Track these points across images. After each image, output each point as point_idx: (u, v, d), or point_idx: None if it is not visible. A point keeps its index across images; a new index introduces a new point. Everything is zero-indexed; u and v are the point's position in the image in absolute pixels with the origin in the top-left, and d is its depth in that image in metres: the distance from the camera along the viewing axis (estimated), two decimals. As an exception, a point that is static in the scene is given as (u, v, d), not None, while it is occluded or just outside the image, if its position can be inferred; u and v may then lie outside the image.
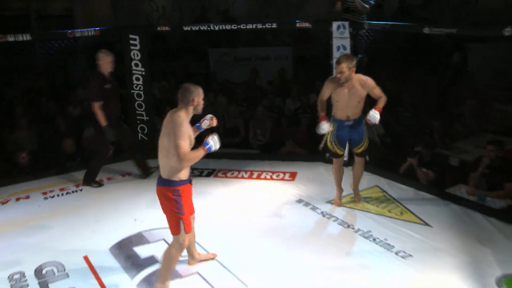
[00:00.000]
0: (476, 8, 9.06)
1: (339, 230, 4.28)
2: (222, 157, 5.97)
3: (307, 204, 4.81)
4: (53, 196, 5.24)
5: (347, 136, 4.45)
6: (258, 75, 8.46)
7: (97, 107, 5.14)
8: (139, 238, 4.21)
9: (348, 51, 5.46)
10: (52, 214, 4.77)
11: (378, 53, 5.97)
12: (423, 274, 3.58)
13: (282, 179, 5.53)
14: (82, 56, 9.17)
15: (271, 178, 5.57)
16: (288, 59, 8.77)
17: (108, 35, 8.26)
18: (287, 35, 9.49)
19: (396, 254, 3.84)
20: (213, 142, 3.24)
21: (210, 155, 3.41)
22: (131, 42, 6.00)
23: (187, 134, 3.15)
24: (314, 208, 4.70)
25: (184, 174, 3.23)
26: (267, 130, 6.75)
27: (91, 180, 5.45)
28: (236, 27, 6.12)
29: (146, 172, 5.65)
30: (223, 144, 3.53)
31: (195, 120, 3.41)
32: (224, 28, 6.14)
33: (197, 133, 3.46)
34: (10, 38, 5.31)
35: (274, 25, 5.88)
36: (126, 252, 4.00)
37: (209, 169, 5.77)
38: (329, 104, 4.52)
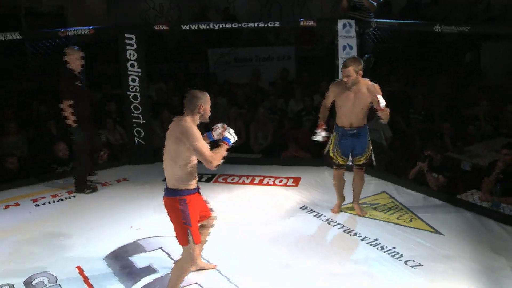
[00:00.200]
0: (489, 4, 9.09)
1: (344, 238, 4.28)
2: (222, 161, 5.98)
3: (311, 211, 4.82)
4: (44, 203, 5.25)
5: (350, 146, 4.41)
6: (259, 76, 8.51)
7: (66, 106, 5.07)
8: (135, 247, 4.22)
9: (354, 50, 5.49)
10: (43, 222, 4.78)
11: (386, 53, 6.01)
12: (434, 284, 3.58)
13: (285, 184, 5.55)
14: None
15: (274, 184, 5.58)
16: (291, 59, 8.82)
17: (103, 34, 8.32)
18: (290, 34, 9.54)
19: (405, 263, 3.84)
20: (230, 135, 3.34)
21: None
22: (127, 41, 6.04)
23: (200, 136, 3.16)
24: (318, 215, 4.71)
25: (191, 183, 3.23)
26: (269, 133, 6.78)
27: (82, 187, 5.47)
28: (237, 26, 6.17)
29: (80, 188, 5.46)
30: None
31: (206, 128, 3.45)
32: (224, 27, 6.18)
33: (208, 142, 3.41)
34: (-2, 37, 5.31)
35: (277, 24, 5.91)
36: (121, 261, 4.01)
37: (209, 174, 5.79)
38: (331, 113, 4.48)
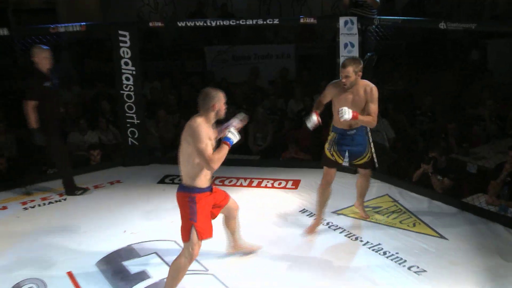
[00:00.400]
0: (495, 1, 9.10)
1: (346, 243, 4.27)
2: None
3: (311, 214, 4.81)
4: (34, 206, 5.23)
5: (349, 145, 4.31)
6: (258, 75, 8.50)
7: (29, 106, 5.00)
8: (129, 252, 4.20)
9: (356, 48, 5.49)
10: (32, 226, 4.75)
11: (389, 51, 6.01)
12: (439, 291, 3.57)
13: (284, 187, 5.54)
14: (66, 54, 9.23)
15: (273, 186, 5.57)
16: (290, 58, 8.83)
17: (96, 31, 8.31)
18: (289, 31, 9.54)
19: (409, 269, 3.83)
20: (232, 135, 3.41)
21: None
22: (121, 39, 6.02)
23: (206, 137, 3.29)
24: (319, 219, 4.70)
25: (202, 182, 3.39)
26: (268, 134, 6.77)
27: (72, 189, 5.44)
28: (235, 23, 6.15)
29: (70, 190, 5.43)
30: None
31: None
32: (222, 24, 6.16)
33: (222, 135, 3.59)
34: (-16, 33, 5.27)
35: (276, 21, 5.90)
36: (114, 266, 3.99)
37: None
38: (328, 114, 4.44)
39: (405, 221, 4.59)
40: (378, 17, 5.37)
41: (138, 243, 4.32)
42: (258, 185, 5.61)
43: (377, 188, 5.29)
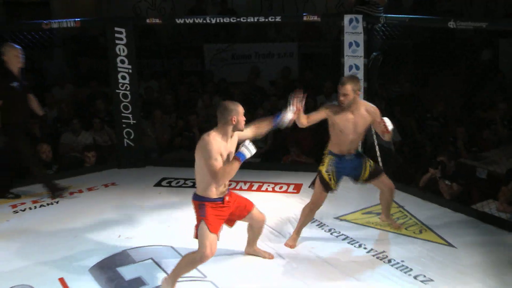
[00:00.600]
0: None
1: (349, 250, 4.28)
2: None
3: (313, 220, 4.79)
4: (24, 210, 5.24)
5: (348, 168, 4.24)
6: (259, 74, 8.51)
7: None
8: (123, 257, 4.20)
9: (361, 47, 5.51)
10: (23, 230, 4.76)
11: (396, 50, 6.03)
12: (446, 301, 3.59)
13: (286, 191, 5.55)
14: (60, 51, 9.25)
15: (273, 190, 5.58)
16: (293, 57, 8.84)
17: (90, 28, 8.32)
18: (292, 29, 9.56)
19: (415, 278, 3.84)
20: (246, 150, 3.50)
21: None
22: (117, 35, 6.05)
23: (217, 152, 3.43)
24: (321, 225, 4.71)
25: (212, 193, 3.57)
26: (269, 136, 6.78)
27: (55, 190, 5.45)
28: (235, 20, 6.18)
29: (54, 192, 5.45)
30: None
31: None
32: (221, 21, 6.18)
33: (269, 128, 3.94)
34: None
35: (278, 18, 5.92)
36: (108, 273, 3.99)
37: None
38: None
39: (411, 228, 4.59)
40: (384, 15, 5.39)
41: (133, 248, 4.32)
42: (259, 189, 5.63)
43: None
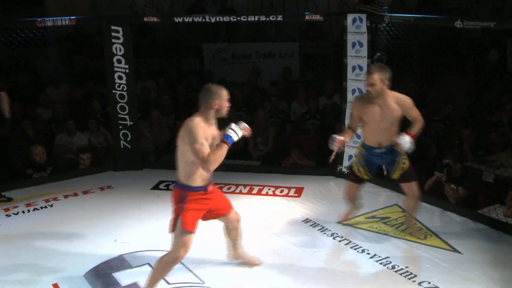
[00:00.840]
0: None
1: (352, 255, 4.29)
2: (217, 169, 5.97)
3: (315, 224, 4.83)
4: (17, 213, 5.25)
5: (378, 162, 4.31)
6: (259, 75, 8.53)
7: None
8: (120, 262, 4.21)
9: (365, 48, 5.53)
10: (15, 234, 4.76)
11: (400, 51, 6.04)
12: (451, 308, 3.60)
13: (287, 195, 5.56)
14: (54, 50, 9.26)
15: (274, 194, 5.60)
16: (294, 57, 8.86)
17: (86, 26, 8.33)
18: (293, 29, 9.58)
19: (419, 284, 3.84)
20: (233, 132, 3.44)
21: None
22: (113, 34, 6.06)
23: (203, 137, 3.36)
24: (323, 230, 4.72)
25: (196, 181, 3.49)
26: (270, 138, 6.80)
27: None
28: (235, 19, 6.19)
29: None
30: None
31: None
32: (221, 20, 6.21)
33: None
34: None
35: (280, 18, 5.94)
36: (104, 278, 4.00)
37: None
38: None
39: (416, 233, 4.60)
40: (389, 14, 5.41)
41: (130, 253, 4.34)
42: (259, 193, 5.64)
43: (385, 197, 5.31)
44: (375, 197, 5.39)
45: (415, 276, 3.94)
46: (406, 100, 4.14)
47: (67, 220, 5.04)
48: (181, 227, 3.45)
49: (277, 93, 7.79)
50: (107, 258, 4.26)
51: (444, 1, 9.40)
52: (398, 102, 4.12)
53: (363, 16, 5.49)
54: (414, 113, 4.14)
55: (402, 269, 4.04)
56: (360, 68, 5.63)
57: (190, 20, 6.15)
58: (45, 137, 6.67)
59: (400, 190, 5.28)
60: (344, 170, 5.87)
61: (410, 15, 5.40)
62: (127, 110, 6.24)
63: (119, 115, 6.25)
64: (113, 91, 6.18)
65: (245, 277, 3.98)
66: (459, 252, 4.28)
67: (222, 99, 3.45)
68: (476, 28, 4.66)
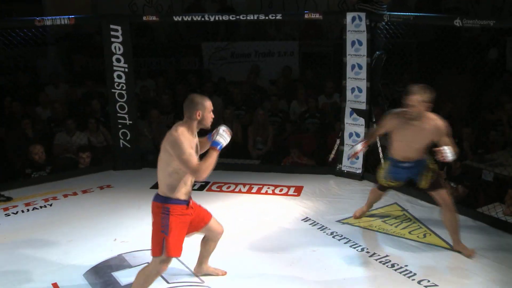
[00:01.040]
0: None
1: (351, 254, 4.30)
2: (216, 168, 5.97)
3: (314, 223, 4.84)
4: (17, 213, 5.25)
5: (406, 175, 4.27)
6: (259, 74, 8.53)
7: None
8: (119, 262, 4.22)
9: (364, 46, 5.54)
10: (15, 234, 4.77)
11: (400, 49, 6.05)
12: (450, 306, 3.61)
13: (286, 194, 5.57)
14: (54, 49, 9.26)
15: (273, 193, 5.61)
16: (294, 56, 8.85)
17: (85, 25, 8.32)
18: (293, 28, 9.58)
19: (419, 283, 3.85)
20: (221, 138, 3.36)
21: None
22: (112, 33, 6.07)
23: (189, 146, 3.28)
24: (322, 228, 4.73)
25: (180, 194, 3.37)
26: (269, 137, 6.81)
27: None
28: (234, 18, 6.20)
29: None
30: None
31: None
32: (220, 19, 6.21)
33: (209, 145, 3.49)
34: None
35: (279, 16, 5.95)
36: (103, 277, 4.00)
37: (202, 181, 5.81)
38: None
39: (415, 232, 4.61)
40: (388, 13, 5.41)
41: (129, 252, 4.34)
42: (258, 192, 5.65)
43: (385, 196, 5.31)
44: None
45: (415, 274, 3.95)
46: (443, 126, 4.04)
47: (67, 219, 5.05)
48: (164, 254, 3.33)
49: (276, 92, 7.79)
50: (106, 257, 4.27)
51: (443, 0, 9.40)
52: (434, 127, 4.01)
53: (363, 15, 5.50)
54: (447, 141, 4.03)
55: (401, 267, 4.05)
56: (360, 67, 5.64)
57: (189, 19, 6.15)
58: (44, 136, 6.67)
59: (400, 189, 5.35)
60: (343, 169, 5.89)
61: (409, 13, 5.41)
62: (126, 109, 6.25)
63: (119, 114, 6.26)
64: (112, 90, 6.19)
65: (243, 277, 3.99)
66: (459, 251, 4.28)
67: (206, 110, 3.35)
68: (475, 26, 4.67)
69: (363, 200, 5.01)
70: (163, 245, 3.33)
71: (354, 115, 5.79)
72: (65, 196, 5.61)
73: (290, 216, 5.01)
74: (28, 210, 5.31)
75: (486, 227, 4.67)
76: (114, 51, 6.09)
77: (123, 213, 5.14)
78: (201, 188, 5.72)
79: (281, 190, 5.65)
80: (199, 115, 3.34)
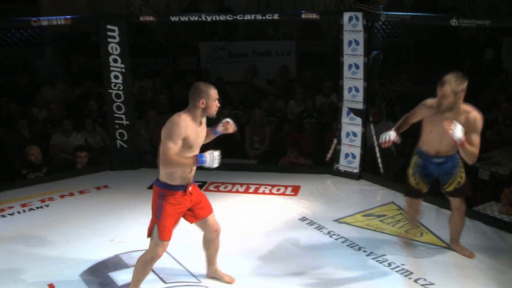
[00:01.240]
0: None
1: (348, 253, 4.30)
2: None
3: (311, 222, 4.84)
4: (13, 213, 5.23)
5: (435, 172, 4.02)
6: (256, 73, 8.54)
7: None
8: (116, 262, 4.22)
9: (361, 46, 5.54)
10: (11, 235, 4.75)
11: (396, 49, 6.06)
12: (447, 305, 3.61)
13: (283, 193, 5.57)
14: (50, 50, 9.26)
15: (270, 193, 5.61)
16: (291, 55, 8.87)
17: (82, 25, 8.31)
18: (290, 27, 9.60)
19: (415, 281, 3.86)
20: (210, 159, 3.31)
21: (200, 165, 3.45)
22: (109, 33, 6.06)
23: (181, 136, 3.26)
24: (319, 228, 4.74)
25: (176, 180, 3.39)
26: (266, 137, 6.81)
27: None
28: (231, 18, 6.20)
29: None
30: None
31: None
32: (218, 19, 6.21)
33: (213, 136, 3.62)
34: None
35: (276, 16, 5.96)
36: (100, 278, 4.00)
37: (199, 181, 5.79)
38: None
39: (412, 231, 4.61)
40: (385, 12, 5.42)
41: (126, 252, 4.34)
42: (255, 191, 5.65)
43: (382, 195, 5.33)
44: (371, 195, 5.41)
45: (411, 273, 3.96)
46: (475, 120, 3.72)
47: (63, 220, 5.04)
48: (157, 237, 3.41)
49: (274, 91, 7.80)
50: (103, 258, 4.26)
51: (440, 0, 9.42)
52: (467, 120, 3.70)
53: (359, 15, 5.50)
54: (475, 139, 3.70)
55: (398, 266, 4.06)
56: (357, 67, 5.65)
57: (187, 19, 6.15)
58: (41, 137, 6.66)
59: (397, 188, 5.36)
60: (340, 168, 5.89)
61: (406, 13, 5.41)
62: (123, 109, 6.24)
63: (116, 115, 6.25)
64: (109, 91, 6.18)
65: (241, 276, 3.98)
66: (455, 250, 4.29)
67: (210, 98, 3.33)
68: (471, 26, 4.67)
69: (360, 199, 5.03)
70: (154, 229, 3.42)
71: (351, 114, 5.80)
72: (62, 196, 5.60)
73: (287, 215, 5.02)
74: (24, 211, 5.29)
75: (482, 225, 4.68)
76: (111, 51, 6.08)
77: (120, 213, 5.13)
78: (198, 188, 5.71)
79: (278, 190, 5.65)
80: (202, 103, 3.32)
